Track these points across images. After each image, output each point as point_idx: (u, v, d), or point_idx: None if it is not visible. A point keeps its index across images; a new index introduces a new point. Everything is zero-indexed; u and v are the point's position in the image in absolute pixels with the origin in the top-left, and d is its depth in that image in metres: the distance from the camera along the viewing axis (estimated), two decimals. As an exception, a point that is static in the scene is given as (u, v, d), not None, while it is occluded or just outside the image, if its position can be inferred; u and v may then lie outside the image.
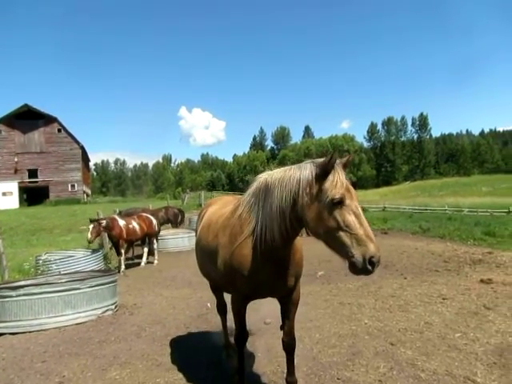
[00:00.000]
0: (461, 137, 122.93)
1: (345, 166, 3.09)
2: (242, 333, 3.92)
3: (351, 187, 2.96)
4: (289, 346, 3.78)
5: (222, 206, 4.50)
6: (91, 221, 11.20)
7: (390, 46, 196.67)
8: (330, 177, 2.94)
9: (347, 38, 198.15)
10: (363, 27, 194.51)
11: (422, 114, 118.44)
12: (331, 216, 2.87)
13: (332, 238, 2.90)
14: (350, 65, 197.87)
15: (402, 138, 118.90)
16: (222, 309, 5.23)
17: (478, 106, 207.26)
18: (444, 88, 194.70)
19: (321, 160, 3.08)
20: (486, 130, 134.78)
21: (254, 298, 3.80)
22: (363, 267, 2.75)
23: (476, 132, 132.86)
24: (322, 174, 2.97)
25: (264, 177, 3.39)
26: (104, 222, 11.22)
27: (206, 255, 4.21)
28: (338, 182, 2.90)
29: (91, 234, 10.86)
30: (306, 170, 3.07)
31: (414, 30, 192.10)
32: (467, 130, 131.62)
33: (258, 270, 3.34)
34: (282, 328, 3.81)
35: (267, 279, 3.40)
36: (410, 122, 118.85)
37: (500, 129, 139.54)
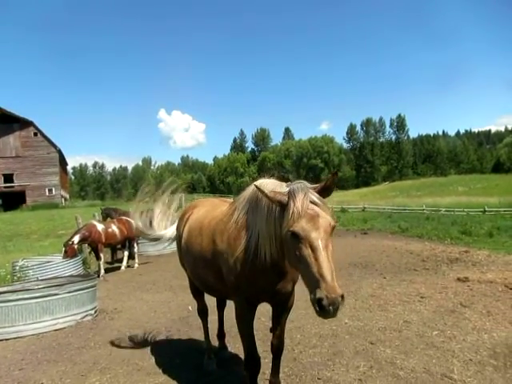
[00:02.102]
0: (437, 138, 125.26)
1: (324, 189, 2.84)
2: (253, 355, 3.61)
3: (318, 214, 2.67)
4: (278, 349, 3.75)
5: (211, 208, 4.33)
6: (64, 245, 10.94)
7: (368, 47, 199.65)
8: (289, 205, 2.72)
9: (326, 40, 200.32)
10: (342, 29, 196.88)
11: (399, 115, 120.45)
12: (291, 248, 2.69)
13: (297, 271, 2.78)
14: (329, 66, 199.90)
15: (381, 139, 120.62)
16: (203, 312, 5.16)
17: (453, 107, 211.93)
18: (421, 89, 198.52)
19: (308, 186, 2.88)
20: (462, 131, 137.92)
21: (256, 303, 3.62)
22: (315, 309, 2.50)
23: (452, 133, 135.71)
24: (282, 204, 2.81)
25: (258, 184, 3.16)
26: (77, 238, 10.96)
27: (199, 260, 4.05)
28: (294, 212, 2.66)
29: (65, 256, 10.59)
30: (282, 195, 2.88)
31: (392, 31, 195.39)
32: (443, 131, 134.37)
33: (258, 276, 3.26)
34: (271, 331, 3.80)
35: (267, 285, 3.34)
36: (388, 123, 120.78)
37: (475, 129, 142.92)
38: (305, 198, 2.70)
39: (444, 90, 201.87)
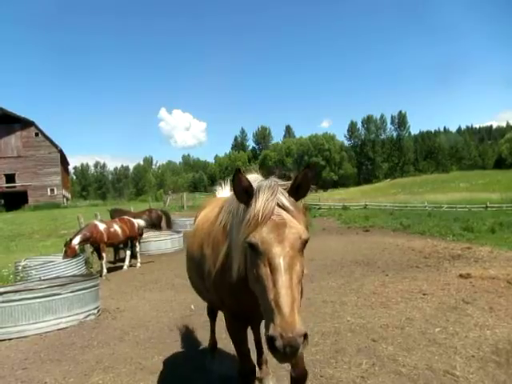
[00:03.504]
0: (439, 134, 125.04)
1: (296, 188, 2.30)
2: (245, 365, 3.23)
3: (285, 222, 2.15)
4: (298, 382, 2.95)
5: (211, 208, 3.88)
6: (64, 245, 10.96)
7: (369, 45, 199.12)
8: (250, 206, 2.24)
9: (327, 38, 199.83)
10: (343, 27, 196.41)
11: (400, 112, 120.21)
12: (249, 263, 2.25)
13: (253, 289, 2.25)
14: (329, 64, 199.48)
15: (382, 136, 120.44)
16: (212, 313, 4.88)
17: (454, 103, 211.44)
18: (422, 86, 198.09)
19: (281, 183, 2.40)
20: (463, 127, 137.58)
21: (245, 320, 3.13)
22: (267, 348, 1.98)
23: (453, 129, 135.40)
24: (244, 200, 2.34)
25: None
26: (78, 238, 10.97)
27: (193, 266, 3.75)
28: (254, 216, 2.16)
29: (65, 256, 10.60)
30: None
31: (393, 29, 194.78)
32: (445, 127, 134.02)
33: (243, 291, 2.56)
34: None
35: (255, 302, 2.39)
36: (389, 120, 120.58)
37: (476, 125, 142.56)
38: (271, 198, 2.19)
39: (445, 86, 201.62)
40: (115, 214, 15.91)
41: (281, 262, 2.02)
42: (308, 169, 2.25)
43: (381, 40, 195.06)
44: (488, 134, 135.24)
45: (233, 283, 2.65)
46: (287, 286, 1.97)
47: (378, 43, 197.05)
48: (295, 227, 2.15)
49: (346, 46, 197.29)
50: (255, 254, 2.12)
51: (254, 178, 2.68)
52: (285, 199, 2.23)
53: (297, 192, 2.29)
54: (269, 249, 2.06)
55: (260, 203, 2.17)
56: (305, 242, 2.17)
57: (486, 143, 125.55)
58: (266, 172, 2.86)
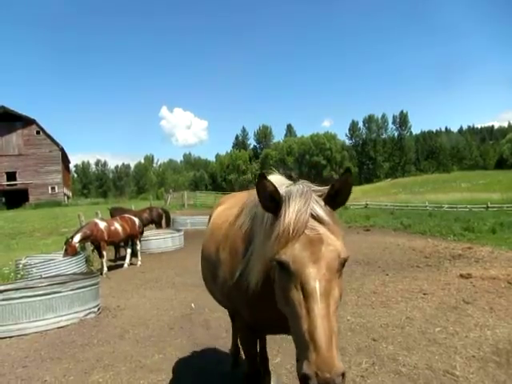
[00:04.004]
0: (440, 134, 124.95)
1: (335, 196, 1.96)
2: (253, 367, 3.17)
3: (322, 238, 1.84)
4: None
5: (230, 205, 3.54)
6: (65, 243, 10.97)
7: (371, 44, 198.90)
8: (280, 218, 1.93)
9: (328, 37, 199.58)
10: (344, 26, 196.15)
11: (402, 111, 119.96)
12: (278, 283, 1.95)
13: (284, 312, 1.95)
14: (331, 63, 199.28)
15: (383, 136, 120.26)
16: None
17: (456, 103, 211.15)
18: (423, 86, 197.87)
19: (314, 188, 2.08)
20: (465, 127, 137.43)
21: (263, 333, 3.08)
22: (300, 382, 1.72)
23: (455, 129, 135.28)
24: (270, 208, 2.03)
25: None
26: (78, 236, 10.96)
27: (208, 270, 3.41)
28: (285, 230, 1.86)
29: (66, 255, 10.59)
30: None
31: (395, 28, 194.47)
32: (446, 127, 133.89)
33: (263, 304, 2.39)
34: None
35: (273, 314, 2.24)
36: (390, 120, 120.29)
37: (478, 126, 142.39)
38: (304, 208, 1.88)
39: (446, 86, 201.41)
40: (116, 213, 15.92)
41: (316, 286, 1.74)
42: (349, 173, 1.92)
43: (382, 40, 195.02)
44: (489, 135, 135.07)
45: (250, 296, 2.44)
46: (324, 316, 1.69)
47: (379, 43, 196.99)
48: (333, 244, 1.83)
49: (347, 46, 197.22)
50: (285, 274, 1.82)
51: (278, 180, 2.36)
52: (320, 209, 1.89)
53: (334, 200, 1.95)
54: (302, 270, 1.77)
55: (291, 214, 1.86)
56: (344, 262, 1.86)
57: (487, 143, 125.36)
58: (284, 175, 2.60)
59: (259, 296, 2.37)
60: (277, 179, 2.36)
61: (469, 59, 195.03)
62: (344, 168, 2.04)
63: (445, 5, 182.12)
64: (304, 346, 1.70)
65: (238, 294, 2.64)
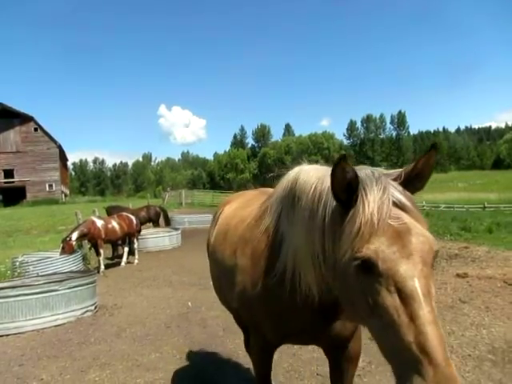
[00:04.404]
0: (438, 134, 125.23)
1: (413, 178, 1.70)
2: None
3: (409, 228, 1.56)
4: None
5: (243, 205, 3.23)
6: (62, 241, 10.95)
7: (369, 44, 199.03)
8: (357, 209, 1.61)
9: (327, 37, 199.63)
10: (342, 25, 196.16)
11: (400, 111, 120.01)
12: (355, 289, 1.61)
13: (366, 327, 1.68)
14: (329, 63, 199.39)
15: (381, 136, 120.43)
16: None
17: (454, 103, 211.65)
18: (422, 86, 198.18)
19: (384, 172, 1.79)
20: (462, 127, 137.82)
21: (281, 344, 2.70)
22: None
23: (452, 129, 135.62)
24: (341, 203, 1.69)
25: (292, 177, 2.20)
26: (75, 234, 10.94)
27: (222, 274, 3.04)
28: (367, 221, 1.55)
29: (63, 253, 10.56)
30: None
31: (393, 28, 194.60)
32: (444, 128, 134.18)
33: (292, 315, 2.22)
34: None
35: (306, 327, 2.25)
36: (388, 120, 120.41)
37: (475, 126, 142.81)
38: (385, 195, 1.60)
39: (444, 87, 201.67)
40: (113, 211, 15.90)
41: (416, 286, 1.45)
42: (434, 150, 1.67)
43: (381, 39, 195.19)
44: (487, 135, 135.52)
45: (282, 308, 2.21)
46: (432, 321, 1.42)
47: (378, 42, 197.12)
48: (423, 234, 1.57)
49: (346, 45, 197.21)
50: (370, 275, 1.52)
51: (319, 170, 2.09)
52: (401, 195, 1.63)
53: (413, 184, 1.70)
54: (394, 268, 1.47)
55: (372, 204, 1.57)
56: (436, 256, 1.60)
57: (484, 144, 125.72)
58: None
59: (290, 305, 2.13)
60: (316, 170, 2.10)
61: (467, 59, 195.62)
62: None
63: (443, 4, 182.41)
64: (411, 361, 1.38)
65: (266, 308, 2.32)
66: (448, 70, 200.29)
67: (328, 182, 1.74)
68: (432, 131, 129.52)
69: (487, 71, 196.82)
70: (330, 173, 1.71)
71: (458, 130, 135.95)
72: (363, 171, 1.71)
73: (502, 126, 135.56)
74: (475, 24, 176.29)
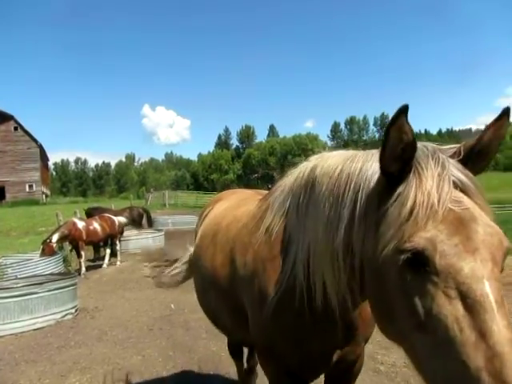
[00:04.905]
0: (420, 136, 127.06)
1: (476, 156, 1.38)
2: None
3: (474, 216, 1.24)
4: None
5: (236, 204, 2.91)
6: (42, 243, 10.78)
7: (351, 45, 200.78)
8: (410, 184, 1.29)
9: (310, 38, 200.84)
10: (326, 27, 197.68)
11: (383, 113, 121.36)
12: (398, 291, 1.25)
13: (405, 345, 1.32)
14: (314, 64, 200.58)
15: (364, 137, 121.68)
16: (236, 350, 3.79)
17: (435, 106, 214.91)
18: (404, 88, 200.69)
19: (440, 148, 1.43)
20: (444, 130, 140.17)
21: (303, 378, 2.15)
22: None
23: (434, 131, 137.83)
24: (388, 178, 1.36)
25: (312, 164, 1.87)
26: (55, 236, 10.77)
27: (208, 283, 2.65)
28: (423, 203, 1.23)
29: (43, 255, 10.40)
30: (374, 163, 1.49)
31: (372, 29, 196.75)
32: (426, 130, 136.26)
33: (309, 333, 1.89)
34: None
35: (324, 348, 1.96)
36: (371, 122, 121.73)
37: (456, 128, 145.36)
38: (445, 172, 1.28)
39: (426, 89, 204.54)
40: (95, 213, 15.71)
41: (487, 290, 1.10)
42: (507, 116, 1.34)
43: (362, 42, 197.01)
44: (467, 137, 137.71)
45: (296, 325, 1.87)
46: (511, 341, 1.05)
47: (359, 45, 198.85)
48: (490, 225, 1.24)
49: (330, 47, 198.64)
50: (421, 274, 1.18)
51: (342, 155, 1.75)
52: (462, 174, 1.32)
53: (474, 162, 1.38)
54: (457, 265, 1.14)
55: (430, 179, 1.26)
56: (506, 254, 1.25)
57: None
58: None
59: (304, 321, 1.81)
60: (340, 155, 1.76)
61: (447, 61, 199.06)
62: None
63: (418, 7, 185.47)
64: None
65: (280, 325, 1.92)
66: (430, 73, 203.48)
67: (361, 161, 1.54)
68: (414, 133, 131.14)
69: (467, 74, 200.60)
70: (362, 153, 1.62)
71: (439, 132, 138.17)
72: (422, 146, 1.39)
73: (482, 128, 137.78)
74: (452, 26, 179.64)
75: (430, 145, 1.42)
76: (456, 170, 1.33)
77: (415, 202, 1.24)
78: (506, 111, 1.33)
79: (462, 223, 1.21)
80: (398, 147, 1.30)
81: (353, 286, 1.59)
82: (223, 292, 2.43)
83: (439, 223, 1.20)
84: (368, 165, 1.53)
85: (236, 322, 2.36)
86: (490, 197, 1.45)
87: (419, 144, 1.38)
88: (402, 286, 1.23)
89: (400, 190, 1.31)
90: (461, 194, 1.29)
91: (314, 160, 1.90)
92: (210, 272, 2.58)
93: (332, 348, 1.97)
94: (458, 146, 1.44)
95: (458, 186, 1.30)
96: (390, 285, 1.29)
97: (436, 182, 1.25)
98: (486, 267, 1.15)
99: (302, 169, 1.92)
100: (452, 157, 1.38)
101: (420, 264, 1.19)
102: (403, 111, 1.25)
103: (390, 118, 1.29)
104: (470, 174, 1.35)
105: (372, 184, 1.45)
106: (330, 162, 1.72)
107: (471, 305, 1.09)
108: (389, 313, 1.34)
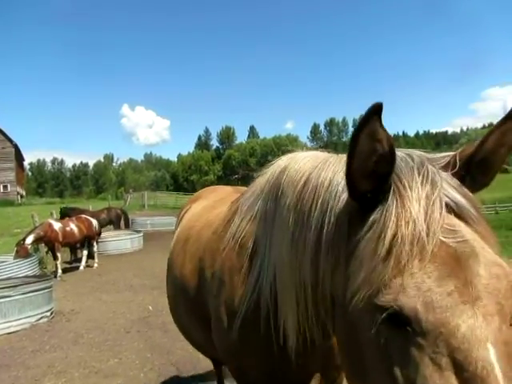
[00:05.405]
0: (398, 138, 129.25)
1: (485, 163, 1.09)
2: None
3: (475, 252, 0.95)
4: None
5: (213, 203, 2.62)
6: (16, 245, 10.56)
7: (331, 47, 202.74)
8: (388, 211, 1.01)
9: (290, 39, 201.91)
10: (306, 29, 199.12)
11: (361, 115, 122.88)
12: (373, 349, 0.97)
13: None
14: (294, 65, 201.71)
15: (344, 139, 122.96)
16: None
17: (413, 108, 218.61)
18: (383, 90, 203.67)
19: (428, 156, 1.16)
20: (421, 132, 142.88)
21: None
22: None
23: (411, 133, 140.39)
24: (359, 200, 1.10)
25: (282, 165, 1.63)
26: (30, 238, 10.55)
27: (179, 294, 2.39)
28: (403, 234, 0.95)
29: (17, 257, 10.17)
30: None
31: (354, 31, 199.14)
32: (403, 132, 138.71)
33: (274, 361, 1.63)
34: None
35: (297, 377, 1.71)
36: (350, 123, 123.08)
37: (433, 131, 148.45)
38: (434, 192, 1.01)
39: (404, 92, 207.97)
40: (72, 213, 15.46)
41: (492, 360, 0.82)
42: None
43: (342, 43, 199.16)
44: (443, 139, 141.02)
45: (270, 349, 1.59)
46: None
47: (339, 46, 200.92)
48: (496, 262, 0.96)
49: (309, 49, 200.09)
50: (402, 332, 0.90)
51: (314, 156, 1.50)
52: (458, 194, 1.04)
53: (474, 175, 1.10)
54: (450, 323, 0.86)
55: (415, 202, 0.98)
56: None
57: (442, 147, 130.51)
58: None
59: (267, 344, 1.58)
60: (312, 156, 1.51)
61: (426, 64, 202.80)
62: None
63: (398, 8, 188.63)
64: None
65: (248, 349, 1.70)
66: (408, 75, 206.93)
67: (331, 171, 1.27)
68: (392, 135, 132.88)
69: (444, 76, 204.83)
70: (334, 159, 1.32)
71: (416, 134, 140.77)
72: (403, 153, 1.13)
73: (458, 130, 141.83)
74: (427, 27, 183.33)
75: (416, 153, 1.14)
76: (450, 188, 1.04)
77: (395, 233, 0.95)
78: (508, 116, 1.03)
79: (458, 262, 0.92)
80: (370, 160, 1.03)
81: (326, 320, 1.29)
82: (193, 306, 2.18)
83: (427, 263, 0.91)
84: (339, 176, 1.23)
85: (209, 339, 2.02)
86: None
87: (400, 153, 1.12)
88: (377, 345, 0.94)
89: (375, 216, 1.02)
90: (457, 221, 1.00)
91: (285, 160, 1.67)
92: (179, 283, 2.33)
93: (309, 376, 1.73)
94: (451, 154, 1.15)
95: (453, 209, 1.02)
96: (363, 339, 0.99)
97: (423, 206, 0.97)
98: (491, 325, 0.86)
99: (273, 169, 1.69)
100: (445, 169, 1.10)
101: (401, 321, 0.89)
102: (375, 112, 1.00)
103: (358, 121, 1.05)
104: (469, 194, 1.06)
105: (343, 203, 1.17)
106: (297, 166, 1.47)
107: (469, 380, 0.80)
108: (361, 372, 1.03)
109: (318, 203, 1.24)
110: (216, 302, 1.83)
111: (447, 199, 1.02)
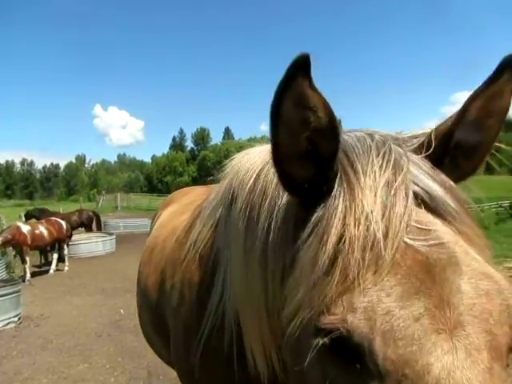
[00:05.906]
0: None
1: (460, 146, 0.88)
2: None
3: (457, 260, 0.70)
4: None
5: (182, 208, 2.33)
6: None
7: (309, 48, 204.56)
8: (331, 207, 0.78)
9: (268, 40, 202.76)
10: (285, 29, 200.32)
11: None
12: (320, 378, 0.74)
13: None
14: (268, 66, 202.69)
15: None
16: None
17: (384, 111, 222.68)
18: (358, 92, 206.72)
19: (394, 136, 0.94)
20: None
21: None
22: None
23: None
24: (295, 193, 0.91)
25: (238, 158, 1.47)
26: None
27: (145, 305, 2.24)
28: (350, 236, 0.72)
29: None
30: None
31: (335, 32, 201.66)
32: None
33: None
34: None
35: None
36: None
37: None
38: (397, 178, 0.77)
39: (376, 94, 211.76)
40: (42, 216, 15.10)
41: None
42: (508, 71, 0.80)
43: (322, 44, 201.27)
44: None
45: (234, 377, 1.32)
46: None
47: (318, 47, 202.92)
48: (486, 273, 0.73)
49: (283, 50, 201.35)
50: (350, 373, 0.69)
51: (265, 151, 1.24)
52: (433, 181, 0.82)
53: (457, 158, 0.90)
54: (418, 363, 0.63)
55: (368, 193, 0.76)
56: None
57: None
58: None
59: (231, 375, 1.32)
60: (263, 151, 1.27)
61: (407, 64, 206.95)
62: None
63: (379, 7, 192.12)
64: None
65: (209, 377, 1.44)
66: (384, 76, 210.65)
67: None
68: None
69: (416, 81, 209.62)
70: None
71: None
72: (349, 133, 0.93)
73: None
74: (415, 31, 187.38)
75: (379, 132, 0.92)
76: (422, 174, 0.81)
77: (342, 236, 0.73)
78: (508, 61, 0.78)
79: (430, 274, 0.68)
80: (301, 137, 0.80)
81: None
82: (155, 319, 2.01)
83: (386, 275, 0.68)
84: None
85: (165, 347, 1.85)
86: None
87: (359, 132, 0.90)
88: (323, 380, 0.73)
89: (318, 214, 0.80)
90: (430, 218, 0.77)
91: (239, 157, 1.44)
92: (144, 294, 2.15)
93: None
94: (427, 132, 0.91)
95: (425, 202, 0.79)
96: (308, 370, 0.76)
97: (381, 197, 0.74)
98: (478, 364, 0.62)
99: (228, 169, 1.49)
100: (417, 151, 0.87)
101: (350, 352, 0.67)
102: (300, 66, 0.76)
103: (280, 79, 0.78)
104: (449, 181, 0.83)
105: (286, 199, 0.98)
106: (248, 164, 1.26)
107: None
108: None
109: (266, 205, 1.04)
110: (175, 319, 1.61)
111: (417, 188, 0.78)
